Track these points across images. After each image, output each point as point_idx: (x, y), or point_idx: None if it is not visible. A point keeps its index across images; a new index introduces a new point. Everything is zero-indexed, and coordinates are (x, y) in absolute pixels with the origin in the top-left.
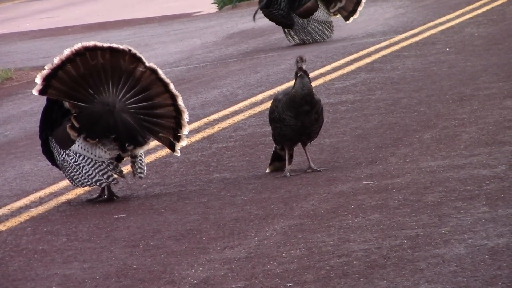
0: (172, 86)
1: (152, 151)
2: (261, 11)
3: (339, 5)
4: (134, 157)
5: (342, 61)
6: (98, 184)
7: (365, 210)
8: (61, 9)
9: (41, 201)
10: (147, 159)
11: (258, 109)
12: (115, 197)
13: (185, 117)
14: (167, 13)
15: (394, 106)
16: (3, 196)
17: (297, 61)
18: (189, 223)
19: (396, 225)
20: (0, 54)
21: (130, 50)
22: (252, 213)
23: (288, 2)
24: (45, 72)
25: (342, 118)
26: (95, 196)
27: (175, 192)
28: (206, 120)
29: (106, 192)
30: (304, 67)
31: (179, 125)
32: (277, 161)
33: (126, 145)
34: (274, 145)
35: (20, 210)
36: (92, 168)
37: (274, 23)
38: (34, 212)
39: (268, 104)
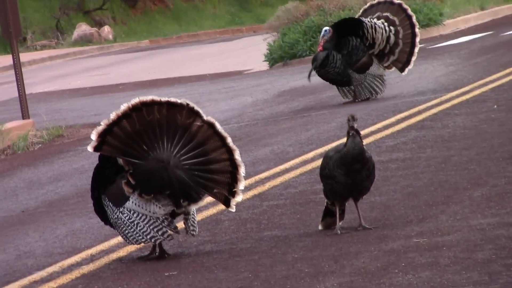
0: (229, 140)
1: (203, 209)
2: (315, 71)
3: (392, 58)
4: (187, 214)
5: (392, 119)
6: (153, 240)
7: (416, 268)
8: (112, 66)
9: (92, 258)
10: (198, 217)
11: (309, 167)
12: (166, 255)
13: (242, 171)
14: (218, 71)
15: (444, 164)
16: (54, 253)
17: (348, 120)
18: (240, 281)
19: (446, 282)
20: (51, 111)
21: (188, 104)
22: (303, 270)
23: (344, 59)
24: (100, 128)
25: (393, 176)
26: (146, 253)
27: (226, 250)
28: (257, 178)
29: (157, 249)
30: (355, 125)
31: (234, 180)
32: (329, 217)
33: (181, 201)
34: (326, 201)
35: (71, 268)
36: (147, 225)
37: (325, 81)
38: (85, 269)
39: (318, 162)
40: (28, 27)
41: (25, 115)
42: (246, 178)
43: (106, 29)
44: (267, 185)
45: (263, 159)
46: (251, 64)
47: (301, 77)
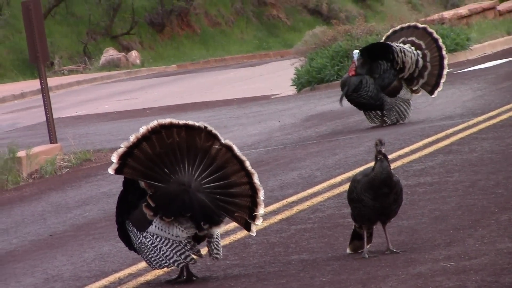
0: (247, 164)
1: (231, 233)
2: (346, 95)
3: (421, 81)
4: (210, 237)
5: (420, 143)
6: (175, 264)
7: None
8: (139, 91)
9: (120, 282)
10: (226, 241)
11: (336, 191)
12: (194, 278)
13: (261, 195)
14: (246, 95)
15: (472, 188)
16: (82, 277)
17: (376, 144)
18: None
19: None
20: (79, 135)
21: (206, 127)
22: None
23: (376, 82)
24: (121, 150)
25: (420, 200)
26: (174, 277)
27: (253, 274)
28: (285, 202)
29: (185, 273)
30: (383, 150)
31: (254, 204)
32: (357, 240)
33: (202, 223)
34: (354, 224)
35: None
36: (170, 249)
37: (353, 106)
38: None
39: (346, 186)
40: (56, 52)
41: (52, 139)
42: (274, 202)
43: (134, 54)
44: (295, 209)
45: (291, 183)
46: (279, 89)
47: (328, 101)
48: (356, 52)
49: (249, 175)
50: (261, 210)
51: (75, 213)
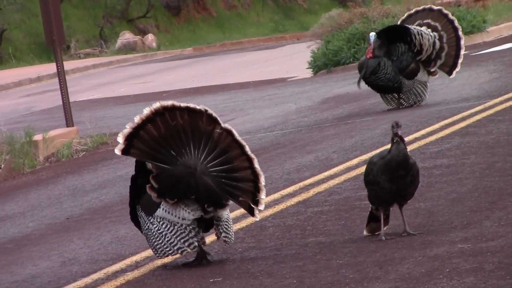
0: (247, 148)
1: (248, 215)
2: (364, 78)
3: (439, 62)
4: (218, 220)
5: (436, 126)
6: (180, 252)
7: (460, 274)
8: (155, 74)
9: (137, 265)
10: (243, 223)
11: (353, 173)
12: (208, 258)
13: (262, 180)
14: (262, 78)
15: (488, 170)
16: (99, 260)
17: (392, 127)
18: (285, 287)
19: None
20: (95, 119)
21: (206, 111)
22: (347, 276)
23: (394, 65)
24: (126, 131)
25: (437, 182)
26: (191, 259)
27: (270, 256)
28: (301, 184)
29: (198, 255)
30: (399, 132)
31: (257, 189)
32: (374, 222)
33: (205, 206)
34: (370, 206)
35: (116, 274)
36: (174, 236)
37: (371, 89)
38: (130, 276)
39: (363, 169)
40: (72, 36)
41: (69, 122)
42: (290, 184)
43: (150, 37)
44: (312, 192)
45: (308, 165)
46: (295, 72)
47: (345, 84)
48: (372, 35)
49: (250, 160)
50: (263, 195)
51: (91, 196)
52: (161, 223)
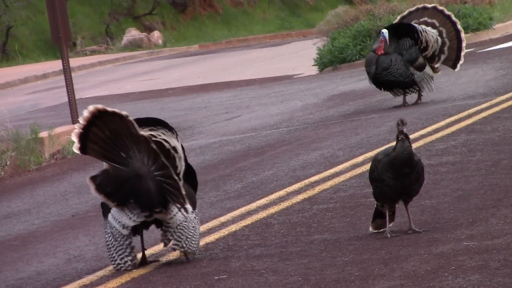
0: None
1: (253, 212)
2: (375, 74)
3: (443, 56)
4: (167, 226)
5: (442, 123)
6: (119, 267)
7: (466, 271)
8: (161, 71)
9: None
10: (248, 220)
11: (358, 170)
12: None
13: (183, 190)
14: (268, 75)
15: (494, 167)
16: (104, 257)
17: (398, 124)
18: (290, 284)
19: (496, 285)
20: None
21: (127, 116)
22: (353, 274)
23: (403, 59)
24: (76, 131)
25: (443, 179)
26: (198, 255)
27: (276, 253)
28: (307, 181)
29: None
30: (405, 130)
31: (182, 198)
32: (379, 218)
33: (148, 210)
34: (376, 202)
35: (121, 271)
36: (115, 252)
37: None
38: (135, 273)
39: (368, 166)
40: (78, 33)
41: (74, 119)
42: (296, 181)
43: (156, 34)
44: (317, 189)
45: (313, 163)
46: (301, 69)
47: (350, 81)
48: (385, 31)
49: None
50: (187, 205)
51: None
52: (109, 229)
